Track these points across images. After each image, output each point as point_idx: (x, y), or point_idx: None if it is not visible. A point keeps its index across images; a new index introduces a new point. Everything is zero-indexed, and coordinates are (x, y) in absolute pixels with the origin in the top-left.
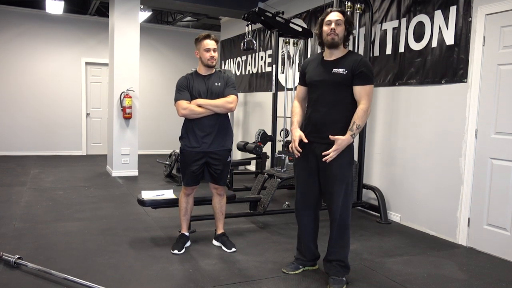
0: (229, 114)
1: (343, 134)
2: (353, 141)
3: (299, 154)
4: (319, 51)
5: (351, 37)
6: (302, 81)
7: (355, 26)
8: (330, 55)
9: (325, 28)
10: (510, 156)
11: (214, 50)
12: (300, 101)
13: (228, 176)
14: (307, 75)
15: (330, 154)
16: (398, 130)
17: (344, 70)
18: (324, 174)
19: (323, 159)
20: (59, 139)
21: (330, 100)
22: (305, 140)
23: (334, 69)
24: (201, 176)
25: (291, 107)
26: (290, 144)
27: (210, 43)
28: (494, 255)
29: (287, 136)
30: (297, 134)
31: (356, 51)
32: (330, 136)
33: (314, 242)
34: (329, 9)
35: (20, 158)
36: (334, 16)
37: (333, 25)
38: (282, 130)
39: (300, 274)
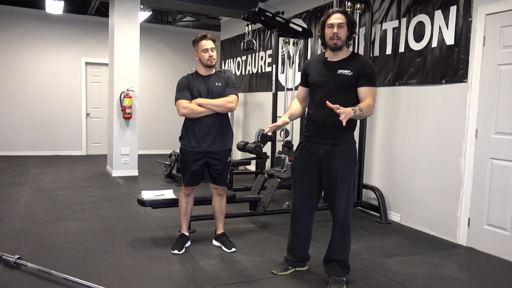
0: (229, 114)
1: (346, 135)
2: (355, 144)
3: (269, 130)
4: (319, 51)
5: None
6: (304, 82)
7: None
8: (334, 56)
9: (327, 31)
10: (510, 156)
11: (212, 50)
12: (300, 101)
13: (228, 176)
14: (310, 76)
15: (342, 111)
16: (398, 130)
17: (349, 71)
18: (326, 174)
19: (337, 111)
20: (59, 139)
21: (334, 102)
22: (287, 121)
23: (339, 70)
24: (201, 176)
25: (290, 104)
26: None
27: (207, 43)
28: (494, 255)
29: (287, 136)
30: (282, 119)
31: (356, 51)
32: (330, 105)
33: (307, 244)
34: (330, 10)
35: (20, 158)
36: (336, 18)
37: (335, 29)
38: (282, 130)
39: (300, 274)
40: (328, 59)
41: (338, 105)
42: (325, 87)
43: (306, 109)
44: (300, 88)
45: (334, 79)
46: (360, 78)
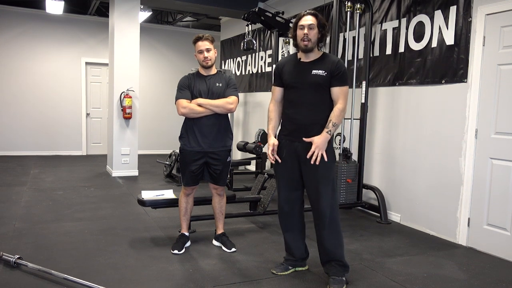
0: (229, 114)
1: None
2: (333, 141)
3: (273, 160)
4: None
5: (330, 39)
6: (278, 82)
7: (355, 26)
8: (307, 57)
9: (299, 32)
10: (510, 156)
11: (208, 50)
12: (277, 103)
13: (228, 176)
14: (284, 76)
15: (314, 155)
16: (398, 130)
17: (323, 71)
18: (307, 174)
19: (311, 162)
20: (59, 139)
21: (311, 101)
22: (276, 142)
23: (313, 71)
24: (200, 176)
25: (268, 111)
26: (269, 151)
27: (201, 45)
28: (494, 255)
29: None
30: (271, 142)
31: (356, 51)
32: (304, 138)
33: (303, 242)
34: (302, 12)
35: (20, 158)
36: (307, 20)
37: (306, 30)
38: None
39: (300, 274)
40: (301, 60)
41: (311, 139)
42: (301, 87)
43: (282, 109)
44: (275, 88)
45: (309, 79)
46: (333, 78)
